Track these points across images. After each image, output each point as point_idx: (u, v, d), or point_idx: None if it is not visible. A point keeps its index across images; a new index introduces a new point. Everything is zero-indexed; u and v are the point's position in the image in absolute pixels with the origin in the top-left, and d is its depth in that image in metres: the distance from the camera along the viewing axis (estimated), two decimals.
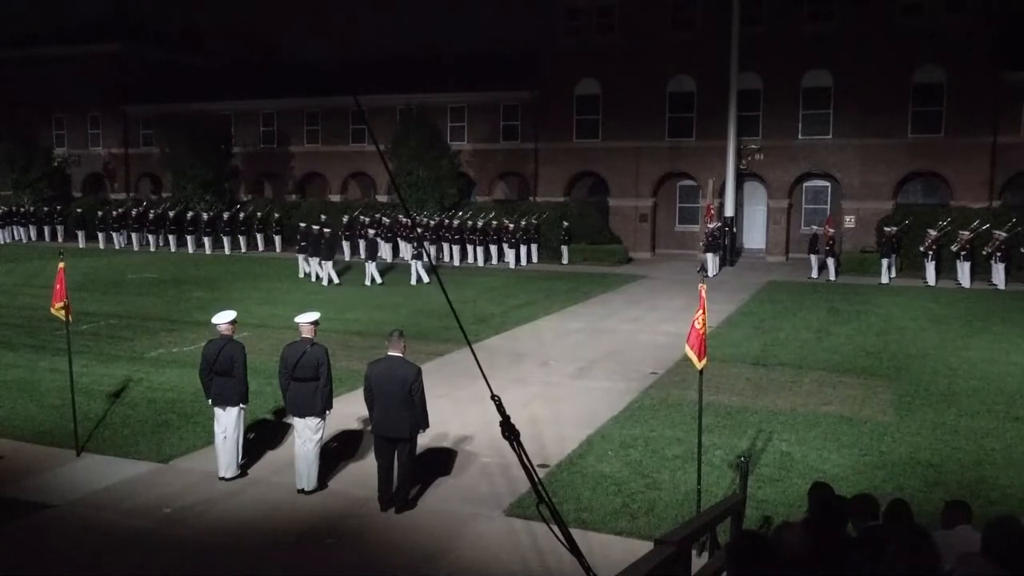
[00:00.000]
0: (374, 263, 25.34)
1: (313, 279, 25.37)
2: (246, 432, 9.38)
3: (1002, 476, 9.05)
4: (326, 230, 25.88)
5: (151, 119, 43.39)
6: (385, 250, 30.94)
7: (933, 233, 25.87)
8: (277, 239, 34.71)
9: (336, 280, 24.73)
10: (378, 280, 24.96)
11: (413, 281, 24.92)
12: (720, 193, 31.75)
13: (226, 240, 34.80)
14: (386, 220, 32.22)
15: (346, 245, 32.26)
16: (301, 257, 26.61)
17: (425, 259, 25.32)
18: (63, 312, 9.76)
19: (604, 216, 34.42)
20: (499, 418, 3.29)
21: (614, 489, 8.63)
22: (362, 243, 29.48)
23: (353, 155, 39.34)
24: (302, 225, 27.35)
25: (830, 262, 26.61)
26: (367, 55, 45.66)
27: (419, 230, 27.19)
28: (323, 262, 25.02)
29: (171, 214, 36.23)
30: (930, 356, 15.02)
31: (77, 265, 26.24)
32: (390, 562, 7.20)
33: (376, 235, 26.42)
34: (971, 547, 4.98)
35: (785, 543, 4.74)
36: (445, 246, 31.66)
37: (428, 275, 24.86)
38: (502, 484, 8.71)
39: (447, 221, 31.81)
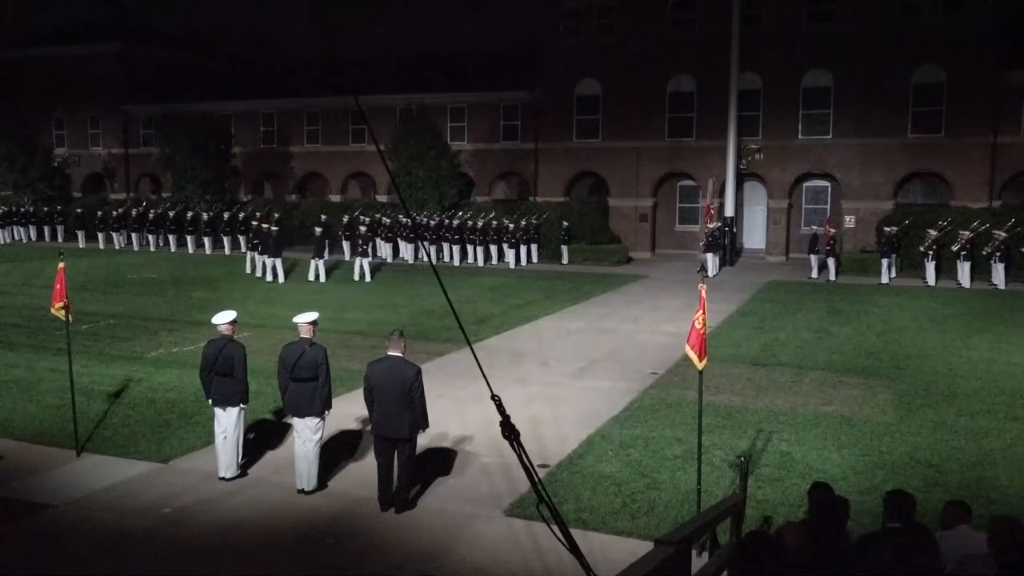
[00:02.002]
0: (321, 260, 25.93)
1: (269, 277, 25.67)
2: (246, 432, 9.37)
3: (1002, 476, 9.05)
4: (274, 228, 26.82)
5: (151, 119, 43.36)
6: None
7: (933, 233, 25.87)
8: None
9: (283, 279, 25.33)
10: (322, 278, 25.60)
11: (356, 277, 25.77)
12: (720, 193, 31.75)
13: (226, 240, 34.78)
14: (323, 217, 32.50)
15: (346, 245, 32.39)
16: (253, 254, 27.47)
17: (370, 257, 26.48)
18: (63, 312, 9.75)
19: (604, 216, 34.41)
20: (499, 418, 3.29)
21: (614, 489, 8.63)
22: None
23: (353, 155, 39.34)
24: (253, 224, 28.99)
25: (830, 262, 26.59)
26: (367, 55, 45.64)
27: (362, 228, 27.71)
28: (271, 259, 25.73)
29: (171, 214, 36.20)
30: (930, 356, 15.02)
31: (77, 265, 26.25)
32: (390, 562, 7.19)
33: (324, 233, 27.25)
34: (971, 547, 4.98)
35: (787, 543, 4.75)
36: (445, 246, 31.70)
37: (371, 273, 26.03)
38: (502, 484, 8.71)
39: (447, 221, 31.83)
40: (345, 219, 32.62)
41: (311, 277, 25.51)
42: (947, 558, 4.96)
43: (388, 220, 32.63)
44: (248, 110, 41.54)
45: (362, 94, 35.68)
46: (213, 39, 50.87)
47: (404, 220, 31.77)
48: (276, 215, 32.91)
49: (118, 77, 43.64)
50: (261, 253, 26.43)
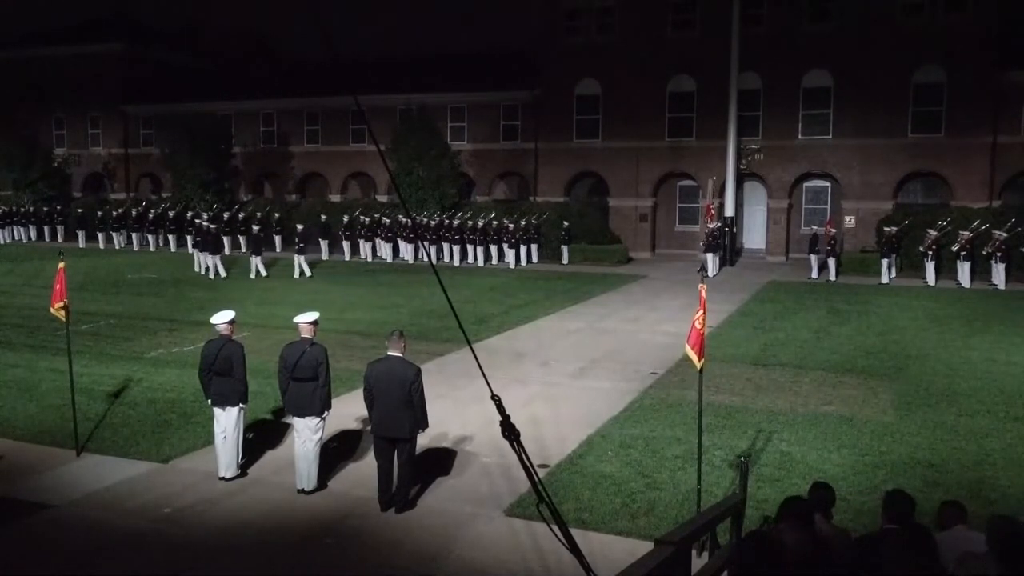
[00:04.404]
0: (258, 257, 26.42)
1: (212, 274, 26.21)
2: (246, 432, 9.37)
3: (1002, 476, 9.05)
4: (212, 226, 27.61)
5: (151, 119, 43.43)
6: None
7: (933, 233, 25.87)
8: (277, 239, 34.69)
9: (224, 274, 26.00)
10: (263, 273, 26.25)
11: (296, 275, 26.33)
12: (720, 193, 31.75)
13: (226, 240, 34.73)
14: (258, 214, 33.82)
15: (346, 245, 32.47)
16: (196, 252, 28.20)
17: (306, 255, 27.09)
18: (63, 312, 9.75)
19: (604, 216, 34.42)
20: (499, 418, 3.29)
21: (614, 489, 8.63)
22: (242, 238, 32.60)
23: (353, 155, 39.34)
24: (197, 222, 29.99)
25: (830, 262, 26.58)
26: (367, 55, 45.62)
27: (299, 227, 28.12)
28: (211, 256, 26.35)
29: (171, 214, 36.22)
30: (930, 356, 15.02)
31: (77, 265, 26.26)
32: (390, 562, 7.20)
33: (260, 231, 27.56)
34: (968, 547, 4.98)
35: (786, 543, 4.75)
36: (445, 246, 31.70)
37: (310, 270, 26.72)
38: (502, 484, 8.71)
39: (447, 221, 31.83)
40: (345, 219, 32.70)
41: (252, 275, 26.08)
42: (946, 558, 4.97)
43: (388, 220, 32.65)
44: (248, 110, 41.53)
45: (362, 94, 35.64)
46: (213, 39, 50.87)
47: (404, 220, 31.77)
48: (207, 214, 33.49)
49: (118, 77, 43.65)
50: (202, 251, 26.99)
